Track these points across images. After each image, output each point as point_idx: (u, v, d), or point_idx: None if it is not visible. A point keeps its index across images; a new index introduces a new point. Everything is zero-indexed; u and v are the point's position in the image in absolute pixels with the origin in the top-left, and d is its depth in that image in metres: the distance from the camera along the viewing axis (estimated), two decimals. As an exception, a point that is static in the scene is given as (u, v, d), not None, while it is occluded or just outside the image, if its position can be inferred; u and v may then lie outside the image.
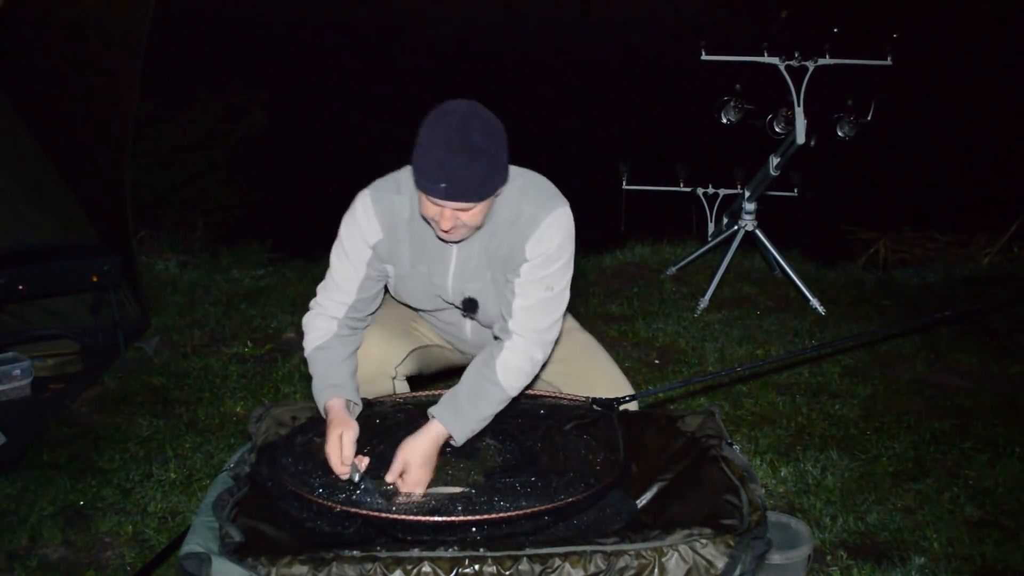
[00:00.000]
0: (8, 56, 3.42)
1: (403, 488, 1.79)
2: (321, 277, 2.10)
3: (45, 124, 3.58)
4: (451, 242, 1.93)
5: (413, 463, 1.80)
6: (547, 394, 2.12)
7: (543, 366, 2.14)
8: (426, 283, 2.03)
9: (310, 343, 2.04)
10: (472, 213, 1.81)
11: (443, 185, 1.74)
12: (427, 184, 1.76)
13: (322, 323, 2.03)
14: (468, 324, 2.15)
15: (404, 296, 2.11)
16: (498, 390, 1.90)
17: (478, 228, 1.89)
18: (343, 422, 1.85)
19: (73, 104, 3.59)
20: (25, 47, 3.43)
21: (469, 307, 2.04)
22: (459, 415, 1.86)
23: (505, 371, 1.90)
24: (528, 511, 1.62)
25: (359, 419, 1.94)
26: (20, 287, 3.25)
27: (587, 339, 2.30)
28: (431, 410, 1.88)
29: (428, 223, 1.89)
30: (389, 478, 1.80)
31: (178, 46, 7.51)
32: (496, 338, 2.00)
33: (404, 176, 1.97)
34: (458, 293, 2.03)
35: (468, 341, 2.20)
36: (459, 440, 1.87)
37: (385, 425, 2.01)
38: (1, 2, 2.80)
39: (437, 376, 2.50)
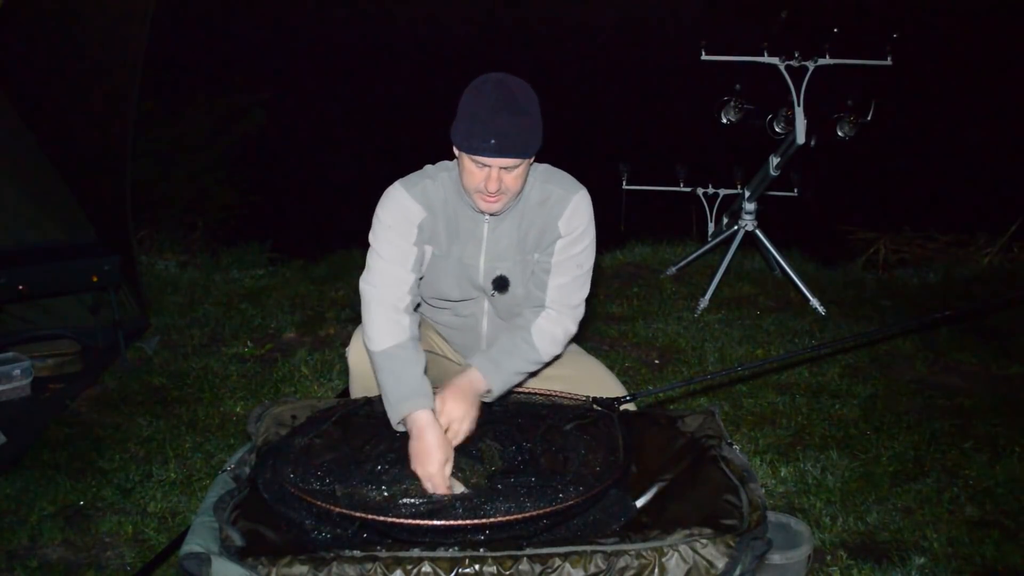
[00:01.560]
0: (8, 56, 3.42)
1: (450, 428, 1.84)
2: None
3: (45, 124, 3.58)
4: (492, 213, 1.98)
5: (452, 403, 1.85)
6: (547, 392, 2.12)
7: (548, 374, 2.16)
8: (458, 266, 2.06)
9: (383, 339, 1.93)
10: (516, 174, 1.90)
11: (492, 141, 1.82)
12: (476, 144, 1.84)
13: (392, 315, 1.94)
14: (485, 317, 2.16)
15: (432, 281, 2.10)
16: (531, 349, 2.00)
17: (516, 197, 1.97)
18: (444, 445, 1.81)
19: (73, 104, 3.59)
20: (25, 47, 3.42)
21: (500, 285, 2.07)
22: (496, 365, 1.94)
23: (539, 333, 2.02)
24: (526, 515, 1.61)
25: (361, 418, 1.94)
26: (20, 287, 3.25)
27: (592, 361, 2.32)
28: (468, 360, 1.94)
29: (470, 197, 1.95)
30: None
31: (178, 46, 7.51)
32: (526, 310, 2.07)
33: (430, 169, 2.07)
34: (490, 272, 2.06)
35: (483, 337, 2.19)
36: (496, 390, 1.94)
37: (386, 423, 2.00)
38: (1, 2, 2.80)
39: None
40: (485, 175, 1.88)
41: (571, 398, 2.08)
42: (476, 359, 1.96)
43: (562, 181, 2.05)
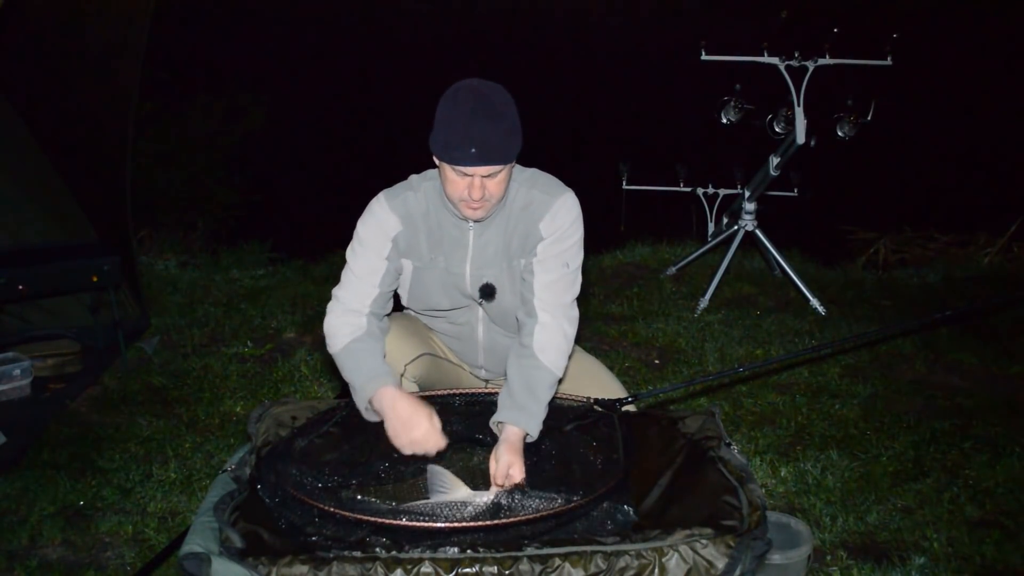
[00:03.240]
0: (8, 56, 3.42)
1: (513, 481, 1.80)
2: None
3: (45, 124, 3.59)
4: (476, 220, 1.97)
5: (513, 463, 1.81)
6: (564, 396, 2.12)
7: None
8: (443, 276, 2.06)
9: (341, 339, 1.98)
10: (498, 180, 1.89)
11: (473, 150, 1.81)
12: (457, 154, 1.83)
13: (350, 319, 2.00)
14: (480, 324, 2.15)
15: (421, 293, 2.10)
16: (546, 373, 1.94)
17: (500, 202, 1.96)
18: (418, 404, 1.83)
19: (73, 104, 3.59)
20: (25, 47, 3.43)
21: (487, 293, 2.05)
22: (525, 411, 1.89)
23: (543, 352, 1.95)
24: (519, 519, 1.60)
25: (363, 419, 1.94)
26: (20, 287, 3.25)
27: (592, 361, 2.33)
28: (496, 418, 1.90)
29: (454, 206, 1.94)
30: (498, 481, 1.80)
31: (179, 46, 7.51)
32: (520, 325, 2.03)
33: (414, 180, 2.05)
34: (476, 280, 2.05)
35: (479, 343, 2.19)
36: (534, 434, 1.89)
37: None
38: (1, 2, 2.80)
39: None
40: (468, 184, 1.87)
41: (572, 399, 2.08)
42: (504, 413, 1.90)
43: (547, 186, 2.02)
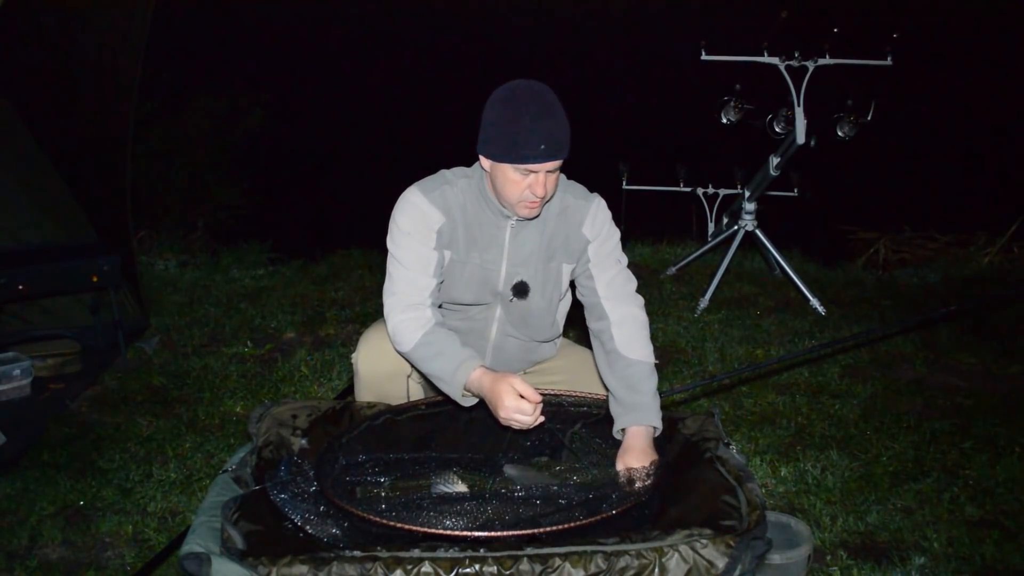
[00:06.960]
0: (8, 56, 3.42)
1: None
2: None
3: (45, 124, 3.58)
4: (531, 218, 2.00)
5: (642, 459, 1.86)
6: (571, 394, 2.13)
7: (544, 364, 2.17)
8: (478, 272, 2.06)
9: (411, 335, 1.95)
10: (555, 176, 1.93)
11: (543, 147, 1.84)
12: (526, 152, 1.84)
13: (415, 313, 1.97)
14: (495, 324, 2.15)
15: (448, 286, 2.09)
16: (640, 366, 2.00)
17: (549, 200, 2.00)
18: (499, 379, 1.82)
19: (73, 104, 3.59)
20: (25, 47, 3.43)
21: (520, 291, 2.07)
22: (639, 409, 1.94)
23: (629, 348, 2.02)
24: (575, 523, 1.60)
25: (388, 428, 1.94)
26: (20, 287, 3.25)
27: (583, 351, 2.33)
28: (617, 427, 1.94)
29: (510, 208, 1.95)
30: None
31: (178, 46, 7.51)
32: (595, 334, 2.09)
33: (447, 174, 2.06)
34: (511, 277, 2.06)
35: (489, 342, 2.18)
36: (658, 424, 1.94)
37: (417, 434, 2.01)
38: (1, 2, 2.80)
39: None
40: (530, 182, 1.89)
41: (595, 397, 2.09)
42: (622, 420, 1.94)
43: (577, 191, 2.09)
